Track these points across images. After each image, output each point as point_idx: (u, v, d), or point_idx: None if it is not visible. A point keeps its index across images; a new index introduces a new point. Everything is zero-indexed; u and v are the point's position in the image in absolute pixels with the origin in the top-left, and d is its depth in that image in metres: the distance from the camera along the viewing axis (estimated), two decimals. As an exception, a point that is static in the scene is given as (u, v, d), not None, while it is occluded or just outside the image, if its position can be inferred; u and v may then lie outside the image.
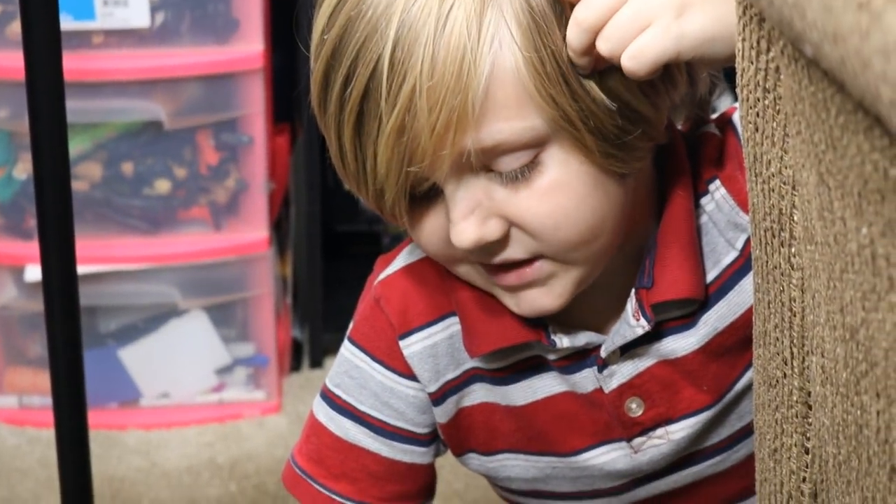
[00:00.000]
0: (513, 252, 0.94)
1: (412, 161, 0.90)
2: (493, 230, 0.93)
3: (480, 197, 0.93)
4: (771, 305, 0.76)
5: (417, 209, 0.96)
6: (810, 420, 0.75)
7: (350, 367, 1.08)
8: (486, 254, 0.95)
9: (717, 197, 1.00)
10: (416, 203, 0.95)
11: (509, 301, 0.98)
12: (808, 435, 0.75)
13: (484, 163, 0.91)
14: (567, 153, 0.91)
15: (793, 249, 0.73)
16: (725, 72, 1.00)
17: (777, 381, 0.77)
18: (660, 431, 1.04)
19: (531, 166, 0.92)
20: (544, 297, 0.96)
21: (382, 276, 1.07)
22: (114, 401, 1.91)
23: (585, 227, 0.93)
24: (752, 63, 0.72)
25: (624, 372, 1.03)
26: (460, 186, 0.92)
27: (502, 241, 0.94)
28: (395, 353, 1.05)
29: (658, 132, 0.95)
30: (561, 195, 0.92)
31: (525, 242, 0.94)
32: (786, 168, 0.71)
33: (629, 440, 1.05)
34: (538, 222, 0.92)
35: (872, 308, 0.61)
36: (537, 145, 0.91)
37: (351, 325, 1.09)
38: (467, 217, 0.92)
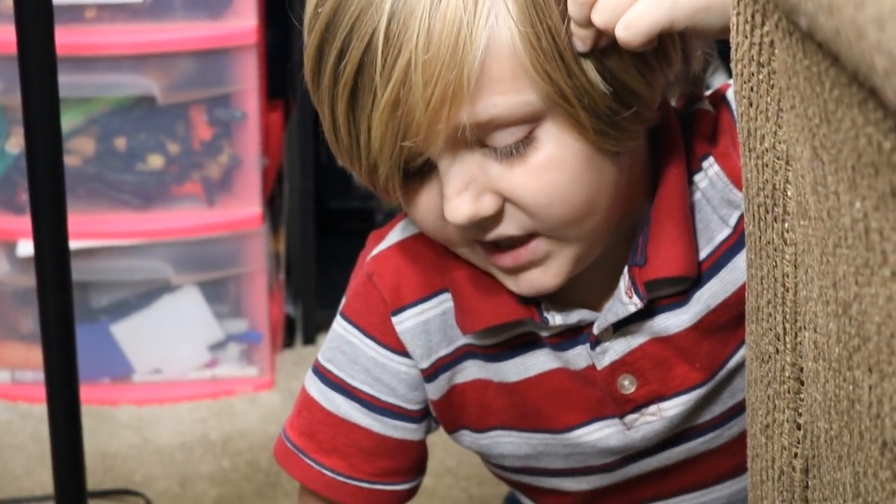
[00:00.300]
0: (507, 229, 0.94)
1: (406, 135, 0.90)
2: (487, 206, 0.93)
3: (475, 172, 0.92)
4: (764, 281, 0.76)
5: (411, 185, 0.95)
6: (802, 396, 0.75)
7: (342, 343, 1.08)
8: (481, 230, 0.94)
9: (710, 174, 1.00)
10: (410, 178, 0.95)
11: (508, 281, 0.98)
12: (800, 410, 0.75)
13: (479, 138, 0.91)
14: (561, 130, 0.91)
15: (786, 225, 0.72)
16: (719, 49, 1.00)
17: (769, 356, 0.77)
18: (652, 408, 1.05)
19: (526, 142, 0.91)
20: (542, 277, 0.96)
21: (375, 251, 1.07)
22: (106, 376, 1.91)
23: (579, 203, 0.93)
24: (746, 38, 0.72)
25: (616, 349, 1.03)
26: (455, 162, 0.92)
27: (496, 218, 0.94)
28: (388, 329, 1.05)
29: (651, 112, 0.95)
30: (555, 171, 0.92)
31: (519, 219, 0.94)
32: (780, 143, 0.71)
33: (622, 417, 1.05)
34: (532, 199, 0.92)
35: (865, 283, 0.61)
36: (532, 121, 0.91)
37: (343, 301, 1.09)
38: (461, 193, 0.92)
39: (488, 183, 0.93)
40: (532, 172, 0.92)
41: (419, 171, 0.94)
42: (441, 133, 0.90)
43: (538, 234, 0.95)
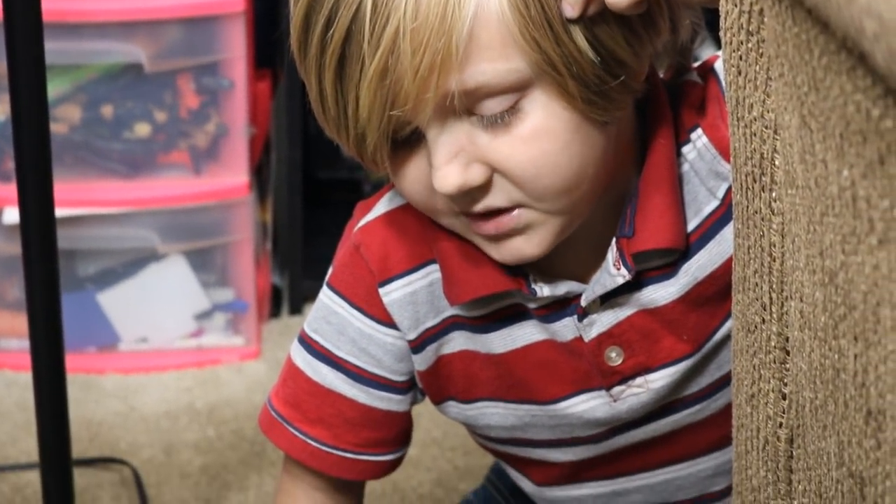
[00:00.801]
0: (494, 200, 0.94)
1: (395, 104, 0.90)
2: (475, 175, 0.92)
3: (463, 142, 0.92)
4: (751, 251, 0.76)
5: (399, 155, 0.95)
6: (788, 365, 0.75)
7: (328, 313, 1.08)
8: (469, 201, 0.94)
9: (698, 145, 1.00)
10: (398, 148, 0.95)
11: (490, 249, 0.98)
12: (785, 380, 0.75)
13: (467, 106, 0.91)
14: (550, 98, 0.91)
15: (773, 194, 0.72)
16: (707, 20, 1.00)
17: (755, 326, 0.77)
18: (639, 380, 1.05)
19: (514, 111, 0.91)
20: (525, 246, 0.96)
21: (362, 222, 1.06)
22: (92, 345, 1.90)
23: (567, 174, 0.93)
24: (735, 6, 0.72)
25: (604, 321, 1.02)
26: (443, 131, 0.92)
27: (484, 188, 0.94)
28: (375, 301, 1.05)
29: (639, 82, 0.95)
30: (544, 141, 0.92)
31: (507, 190, 0.93)
32: (768, 112, 0.70)
33: (608, 389, 1.05)
34: (521, 169, 0.92)
35: (852, 251, 0.61)
36: (520, 89, 0.91)
37: (330, 272, 1.09)
38: (450, 162, 0.92)
39: (477, 153, 0.92)
40: (521, 142, 0.92)
41: (407, 141, 0.94)
42: (429, 101, 0.89)
43: (524, 205, 0.95)
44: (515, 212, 0.95)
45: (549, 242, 0.96)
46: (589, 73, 0.90)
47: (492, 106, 0.91)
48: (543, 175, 0.92)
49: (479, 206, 0.94)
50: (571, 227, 0.97)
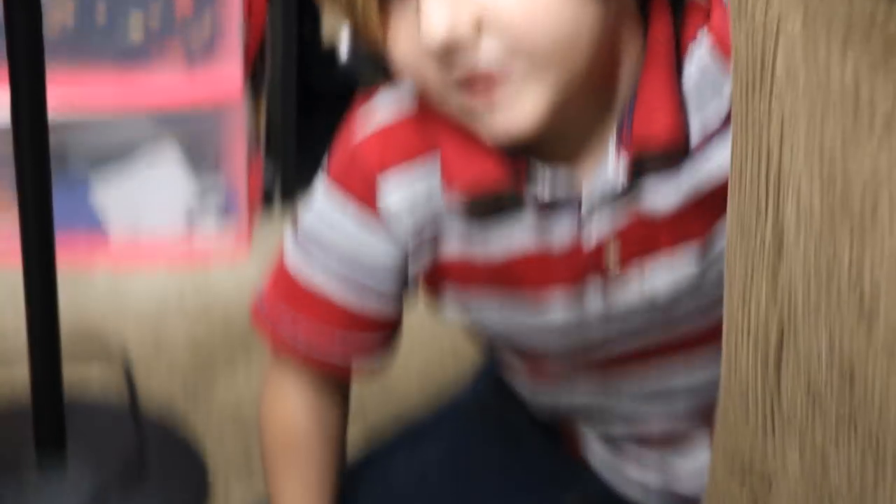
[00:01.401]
0: (483, 57, 0.94)
1: None
2: (464, 23, 0.93)
3: None
4: (748, 152, 0.76)
5: (390, 14, 0.96)
6: (781, 265, 0.75)
7: (322, 216, 1.08)
8: (456, 61, 0.94)
9: (705, 56, 1.00)
10: (388, 8, 0.95)
11: (486, 123, 0.98)
12: (778, 279, 0.76)
13: None
14: None
15: (773, 96, 0.72)
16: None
17: (750, 227, 0.77)
18: (636, 279, 1.05)
19: None
20: (518, 113, 0.96)
21: (360, 126, 1.06)
22: (83, 241, 1.91)
23: (561, 30, 0.93)
24: None
25: (604, 221, 1.03)
26: None
27: (473, 45, 0.94)
28: (371, 205, 1.06)
29: None
30: None
31: (499, 41, 0.94)
32: (771, 11, 0.70)
33: (605, 289, 1.05)
34: (510, 12, 0.93)
35: (851, 150, 0.61)
36: None
37: (325, 176, 1.08)
38: (438, 7, 0.92)
39: (466, 2, 0.93)
40: None
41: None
42: None
43: (514, 66, 0.95)
44: (506, 69, 0.95)
45: (541, 111, 0.96)
46: None
47: None
48: (537, 24, 0.93)
49: (468, 66, 0.95)
50: (566, 104, 0.97)
